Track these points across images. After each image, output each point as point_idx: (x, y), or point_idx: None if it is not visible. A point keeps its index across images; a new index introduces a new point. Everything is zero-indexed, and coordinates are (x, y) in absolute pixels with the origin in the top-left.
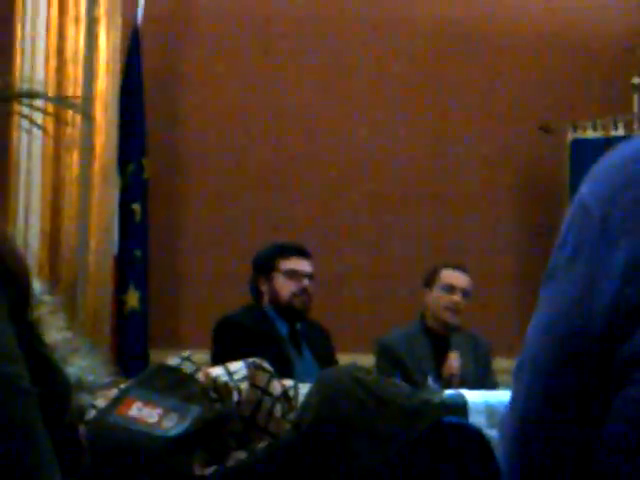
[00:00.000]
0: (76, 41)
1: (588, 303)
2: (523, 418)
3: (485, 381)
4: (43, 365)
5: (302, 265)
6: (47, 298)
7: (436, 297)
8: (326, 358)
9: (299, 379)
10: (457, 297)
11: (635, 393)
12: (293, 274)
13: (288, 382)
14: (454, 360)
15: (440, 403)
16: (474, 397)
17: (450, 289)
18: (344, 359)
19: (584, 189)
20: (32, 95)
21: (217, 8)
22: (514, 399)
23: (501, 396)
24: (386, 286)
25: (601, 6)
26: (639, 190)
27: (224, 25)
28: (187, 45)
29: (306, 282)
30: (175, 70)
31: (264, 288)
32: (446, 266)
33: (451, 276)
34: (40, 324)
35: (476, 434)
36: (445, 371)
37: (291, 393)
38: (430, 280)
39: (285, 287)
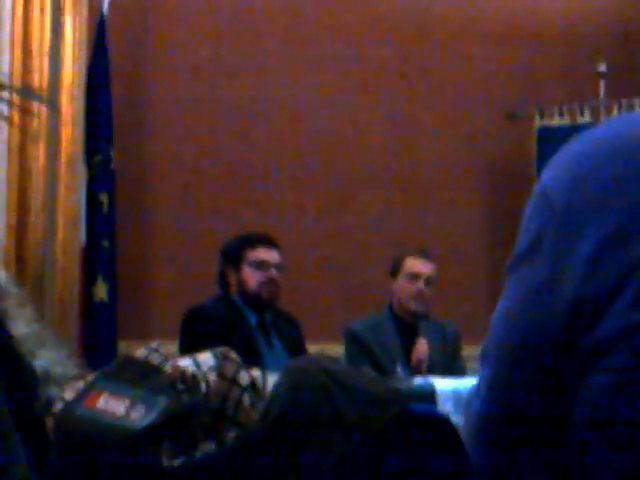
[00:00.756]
0: (41, 31)
1: (551, 294)
2: (488, 404)
3: (453, 368)
4: (9, 357)
5: (269, 255)
6: (14, 290)
7: (401, 286)
8: (295, 348)
9: (268, 369)
10: (421, 285)
11: (598, 381)
12: (261, 264)
13: (256, 372)
14: (422, 347)
15: (408, 391)
16: (442, 385)
17: (414, 277)
18: (313, 349)
19: (546, 177)
20: None
21: (186, 2)
22: (479, 385)
23: (469, 383)
24: (354, 274)
25: None
26: (602, 180)
27: (192, 14)
28: (154, 35)
29: (274, 272)
30: (142, 60)
31: (232, 278)
32: (409, 254)
33: (415, 264)
34: (7, 316)
35: (444, 422)
36: (413, 358)
37: (259, 383)
38: (395, 269)
39: (253, 277)
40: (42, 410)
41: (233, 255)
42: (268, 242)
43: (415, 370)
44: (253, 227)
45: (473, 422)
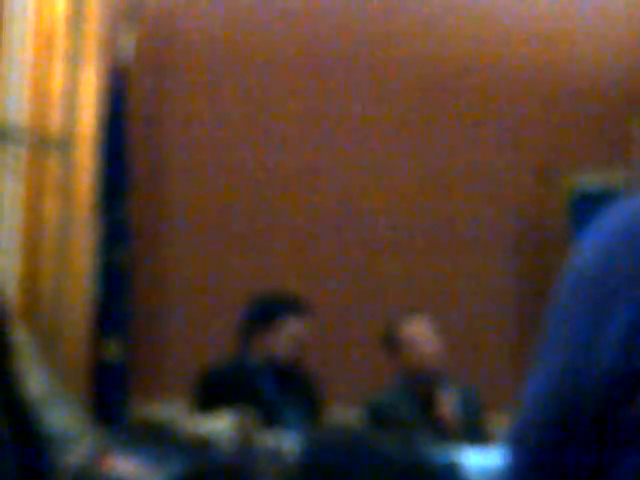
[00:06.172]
0: (58, 83)
1: (586, 370)
2: None
3: (476, 435)
4: (18, 417)
5: (299, 326)
6: (28, 350)
7: (407, 355)
8: (312, 410)
9: (284, 431)
10: (427, 348)
11: (633, 462)
12: (290, 335)
13: (272, 434)
14: (445, 406)
15: (432, 463)
16: (464, 455)
17: (417, 343)
18: (337, 411)
19: (580, 251)
20: (10, 137)
21: (206, 56)
22: (512, 471)
23: (493, 454)
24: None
25: (600, 51)
26: (637, 255)
27: (213, 73)
28: (174, 91)
29: (301, 344)
30: (161, 116)
31: (256, 342)
32: (402, 322)
33: (413, 330)
34: (20, 376)
35: None
36: (436, 417)
37: (274, 445)
38: (392, 343)
39: (280, 348)
40: (52, 469)
41: (262, 319)
42: (299, 311)
43: (439, 435)
44: (272, 287)
45: None
